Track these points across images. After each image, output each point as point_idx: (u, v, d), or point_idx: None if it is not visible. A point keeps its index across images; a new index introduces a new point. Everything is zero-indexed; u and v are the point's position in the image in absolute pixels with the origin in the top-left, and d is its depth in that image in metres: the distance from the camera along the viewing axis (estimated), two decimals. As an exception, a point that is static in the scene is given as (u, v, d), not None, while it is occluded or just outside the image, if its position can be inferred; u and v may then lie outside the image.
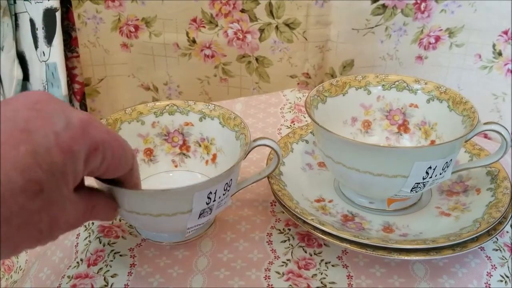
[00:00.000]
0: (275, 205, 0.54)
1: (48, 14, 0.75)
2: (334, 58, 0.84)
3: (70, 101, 0.85)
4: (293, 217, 0.48)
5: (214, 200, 0.42)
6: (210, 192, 0.41)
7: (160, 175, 0.54)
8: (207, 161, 0.53)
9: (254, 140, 0.46)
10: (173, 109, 0.53)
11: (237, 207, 0.54)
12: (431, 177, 0.45)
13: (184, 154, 0.54)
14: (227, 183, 0.42)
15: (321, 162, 0.57)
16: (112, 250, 0.48)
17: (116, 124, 0.51)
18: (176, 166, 0.54)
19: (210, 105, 0.52)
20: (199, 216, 0.42)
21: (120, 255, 0.48)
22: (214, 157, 0.52)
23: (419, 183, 0.46)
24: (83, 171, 0.32)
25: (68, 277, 0.47)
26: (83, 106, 0.87)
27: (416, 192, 0.47)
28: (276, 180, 0.51)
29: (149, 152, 0.53)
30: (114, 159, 0.34)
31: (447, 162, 0.45)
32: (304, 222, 0.46)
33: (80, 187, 0.34)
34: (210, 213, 0.44)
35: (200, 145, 0.53)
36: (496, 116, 0.76)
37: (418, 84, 0.55)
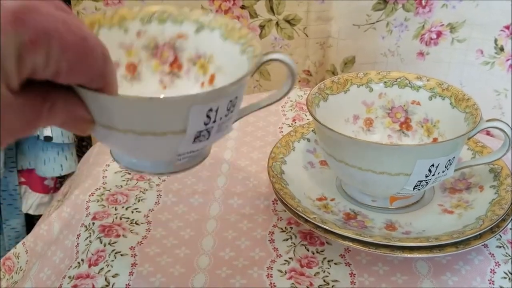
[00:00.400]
0: (277, 204, 0.54)
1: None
2: (335, 54, 0.83)
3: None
4: (295, 216, 0.47)
5: (214, 121, 0.34)
6: (211, 109, 0.33)
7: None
8: (202, 83, 0.43)
9: (266, 54, 0.37)
10: (163, 16, 0.43)
11: (239, 206, 0.54)
12: (433, 174, 0.45)
13: (174, 74, 0.44)
14: (231, 101, 0.34)
15: (323, 161, 0.57)
16: (113, 250, 0.48)
17: (93, 29, 0.40)
18: (164, 88, 0.44)
19: (210, 13, 0.42)
20: (194, 140, 0.34)
21: (121, 255, 0.48)
22: (212, 78, 0.43)
23: (421, 181, 0.45)
24: (17, 71, 0.26)
25: (69, 277, 0.47)
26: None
27: (419, 190, 0.47)
28: (277, 179, 0.51)
29: (132, 68, 0.43)
30: (68, 57, 0.26)
31: (449, 160, 0.45)
32: (306, 220, 0.46)
33: (30, 87, 0.27)
34: (207, 138, 0.35)
35: (195, 64, 0.43)
36: (498, 112, 0.76)
37: (420, 81, 0.55)
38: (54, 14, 0.26)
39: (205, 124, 0.33)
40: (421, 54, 0.81)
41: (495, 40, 0.75)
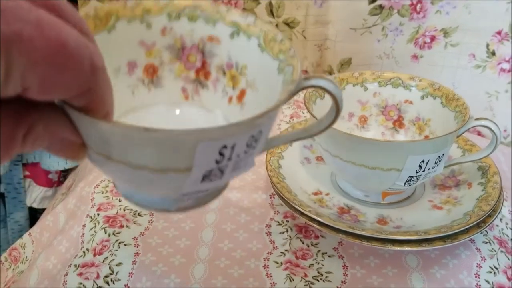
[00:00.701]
0: (274, 198, 0.56)
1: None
2: (332, 56, 0.85)
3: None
4: (291, 209, 0.49)
5: (230, 159, 0.26)
6: (225, 146, 0.26)
7: (162, 107, 0.37)
8: (230, 98, 0.36)
9: (306, 79, 0.29)
10: (195, 13, 0.36)
11: (237, 199, 0.55)
12: (424, 170, 0.47)
13: (200, 83, 0.37)
14: (253, 136, 0.27)
15: (319, 156, 0.59)
16: (117, 240, 0.50)
17: (109, 20, 0.33)
18: (186, 98, 0.37)
19: (250, 16, 0.35)
20: (203, 179, 0.27)
21: (125, 245, 0.50)
22: (242, 94, 0.36)
23: (412, 177, 0.47)
24: None
25: (75, 266, 0.48)
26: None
27: (410, 185, 0.49)
28: (275, 173, 0.53)
29: (151, 70, 0.37)
30: (38, 69, 0.21)
31: (439, 157, 0.47)
32: (302, 213, 0.48)
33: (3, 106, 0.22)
34: (220, 177, 0.28)
35: (224, 74, 0.36)
36: (490, 114, 0.78)
37: (412, 81, 0.57)
38: (24, 14, 0.20)
39: (217, 162, 0.26)
40: (415, 57, 0.83)
41: (487, 45, 0.77)
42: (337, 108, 0.30)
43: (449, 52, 0.80)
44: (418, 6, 0.79)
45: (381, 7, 0.80)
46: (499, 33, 0.76)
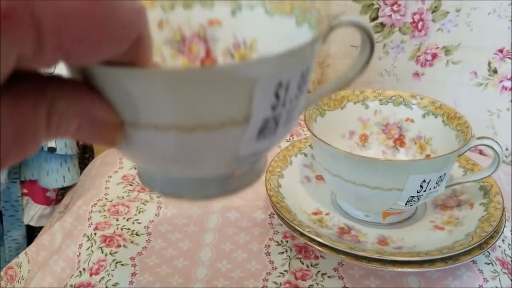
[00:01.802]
0: (273, 218, 0.55)
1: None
2: (333, 73, 0.85)
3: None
4: (290, 229, 0.49)
5: (284, 105, 0.24)
6: (281, 84, 0.23)
7: None
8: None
9: (335, 18, 0.28)
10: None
11: (236, 219, 0.55)
12: (425, 190, 0.47)
13: None
14: (303, 75, 0.24)
15: (319, 175, 0.58)
16: (114, 260, 0.50)
17: None
18: None
19: None
20: (259, 134, 0.24)
21: (122, 264, 0.49)
22: None
23: (413, 197, 0.47)
24: None
25: (71, 285, 0.48)
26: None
27: (411, 205, 0.48)
28: (274, 192, 0.52)
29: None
30: (72, 30, 0.17)
31: (440, 176, 0.47)
32: (302, 234, 0.48)
33: (12, 86, 0.18)
34: (273, 132, 0.25)
35: (233, 56, 0.33)
36: (491, 132, 0.78)
37: (414, 99, 0.57)
38: None
39: (273, 108, 0.24)
40: (416, 74, 0.83)
41: (489, 63, 0.77)
42: (370, 43, 0.29)
43: (451, 70, 0.80)
44: (420, 24, 0.79)
45: (382, 24, 0.80)
46: (501, 51, 0.75)
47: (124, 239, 0.52)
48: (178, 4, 0.32)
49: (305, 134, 0.71)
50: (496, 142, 0.48)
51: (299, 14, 0.29)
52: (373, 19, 0.80)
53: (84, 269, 0.49)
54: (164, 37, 0.32)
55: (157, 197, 0.58)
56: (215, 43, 0.33)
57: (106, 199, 0.58)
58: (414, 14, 0.79)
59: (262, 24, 0.31)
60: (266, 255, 0.50)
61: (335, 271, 0.49)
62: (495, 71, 0.76)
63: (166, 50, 0.32)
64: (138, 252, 0.50)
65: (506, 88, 0.76)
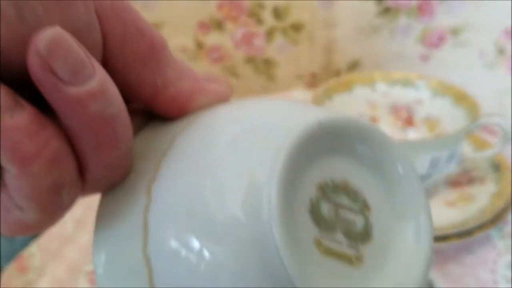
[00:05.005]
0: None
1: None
2: (339, 58, 0.85)
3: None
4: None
5: None
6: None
7: None
8: None
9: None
10: None
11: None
12: (436, 168, 0.47)
13: None
14: None
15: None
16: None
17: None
18: None
19: None
20: None
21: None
22: None
23: (424, 175, 0.47)
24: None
25: (86, 272, 0.48)
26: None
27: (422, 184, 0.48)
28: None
29: None
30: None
31: (451, 154, 0.47)
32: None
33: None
34: None
35: None
36: (500, 112, 0.78)
37: (422, 80, 0.57)
38: None
39: None
40: (424, 57, 0.83)
41: (496, 43, 0.77)
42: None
43: (458, 52, 0.80)
44: (425, 6, 0.79)
45: (388, 8, 0.80)
46: (507, 30, 0.75)
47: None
48: None
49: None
50: (504, 119, 0.48)
51: None
52: (378, 3, 0.80)
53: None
54: None
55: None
56: None
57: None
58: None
59: None
60: None
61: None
62: (503, 51, 0.76)
63: None
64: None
65: (513, 68, 0.76)
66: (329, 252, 0.19)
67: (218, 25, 0.86)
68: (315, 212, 0.19)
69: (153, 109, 0.21)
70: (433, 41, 0.81)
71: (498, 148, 0.50)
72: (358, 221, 0.20)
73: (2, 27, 0.15)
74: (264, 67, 0.89)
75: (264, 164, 0.18)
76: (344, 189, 0.20)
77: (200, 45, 0.88)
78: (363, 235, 0.20)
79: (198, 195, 0.18)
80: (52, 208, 0.18)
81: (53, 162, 0.16)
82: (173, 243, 0.18)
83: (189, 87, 0.21)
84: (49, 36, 0.15)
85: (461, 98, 0.53)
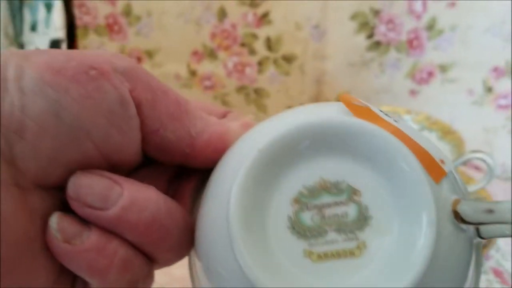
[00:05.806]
0: None
1: (54, 45, 0.78)
2: (330, 91, 0.86)
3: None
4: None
5: None
6: None
7: None
8: None
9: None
10: None
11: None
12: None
13: None
14: None
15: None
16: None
17: None
18: None
19: None
20: None
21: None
22: None
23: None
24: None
25: None
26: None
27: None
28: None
29: None
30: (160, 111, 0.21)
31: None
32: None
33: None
34: None
35: None
36: (487, 150, 0.78)
37: (409, 114, 0.57)
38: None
39: None
40: (413, 92, 0.84)
41: (484, 81, 0.78)
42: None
43: (447, 88, 0.81)
44: (415, 42, 0.80)
45: (378, 43, 0.81)
46: (496, 69, 0.76)
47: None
48: None
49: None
50: (488, 155, 0.49)
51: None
52: (369, 37, 0.81)
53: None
54: None
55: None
56: None
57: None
58: (409, 32, 0.80)
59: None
60: None
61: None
62: (490, 90, 0.77)
63: None
64: None
65: (502, 106, 0.77)
66: (323, 257, 0.19)
67: (211, 54, 0.87)
68: (297, 227, 0.20)
69: (192, 159, 0.23)
70: (422, 77, 0.83)
71: (483, 183, 0.50)
72: (350, 210, 0.20)
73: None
74: (255, 97, 0.90)
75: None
76: (323, 187, 0.20)
77: (193, 73, 0.89)
78: (359, 221, 0.20)
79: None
80: None
81: (124, 267, 0.19)
82: None
83: (218, 131, 0.23)
84: (72, 181, 0.19)
85: (447, 133, 0.53)
